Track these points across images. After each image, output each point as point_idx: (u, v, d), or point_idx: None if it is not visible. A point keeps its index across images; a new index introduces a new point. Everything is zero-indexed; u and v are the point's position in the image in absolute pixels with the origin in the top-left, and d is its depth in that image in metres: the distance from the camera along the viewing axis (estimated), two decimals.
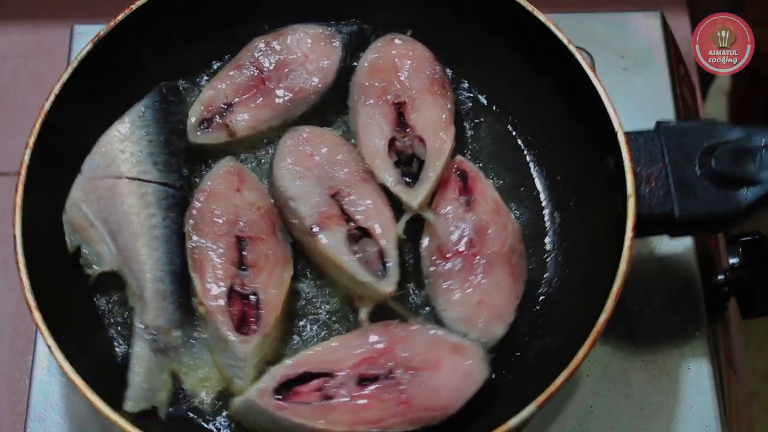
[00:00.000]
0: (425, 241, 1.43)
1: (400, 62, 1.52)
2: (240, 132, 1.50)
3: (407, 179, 1.44)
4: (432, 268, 1.40)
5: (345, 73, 1.55)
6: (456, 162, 1.47)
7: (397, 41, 1.55)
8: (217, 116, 1.51)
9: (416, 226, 1.43)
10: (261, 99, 1.52)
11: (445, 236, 1.41)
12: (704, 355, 1.46)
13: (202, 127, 1.51)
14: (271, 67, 1.54)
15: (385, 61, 1.53)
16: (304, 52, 1.54)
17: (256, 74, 1.53)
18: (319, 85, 1.53)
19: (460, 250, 1.40)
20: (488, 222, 1.41)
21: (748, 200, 1.32)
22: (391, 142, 1.46)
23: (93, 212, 1.40)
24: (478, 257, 1.39)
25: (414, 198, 1.41)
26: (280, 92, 1.52)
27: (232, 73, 1.54)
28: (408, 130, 1.46)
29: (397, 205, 1.43)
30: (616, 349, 1.46)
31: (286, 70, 1.53)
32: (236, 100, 1.52)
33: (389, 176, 1.43)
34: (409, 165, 1.45)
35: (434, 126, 1.47)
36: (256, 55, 1.54)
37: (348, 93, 1.54)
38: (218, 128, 1.50)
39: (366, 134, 1.47)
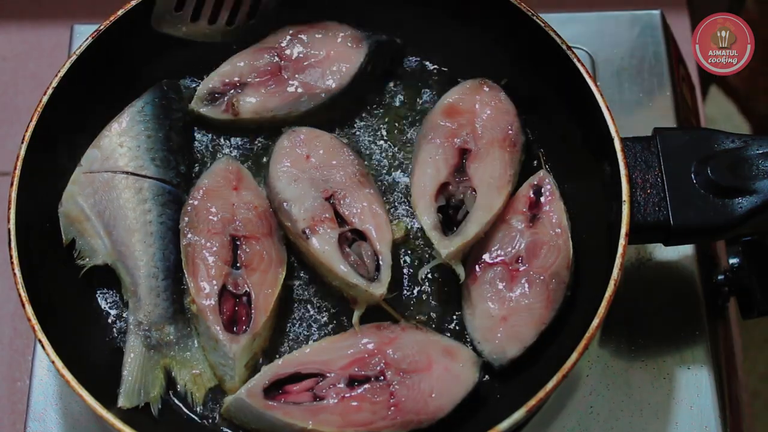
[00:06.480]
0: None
1: (481, 109, 1.49)
2: (243, 114, 1.50)
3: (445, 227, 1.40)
4: (474, 270, 1.39)
5: (362, 79, 1.53)
6: (539, 176, 1.45)
7: (485, 88, 1.51)
8: (228, 92, 1.51)
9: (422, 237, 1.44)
10: (273, 86, 1.51)
11: (497, 244, 1.39)
12: (704, 355, 1.46)
13: (208, 98, 1.51)
14: (293, 58, 1.53)
15: (466, 104, 1.49)
16: (329, 50, 1.53)
17: (275, 61, 1.53)
18: (333, 86, 1.52)
19: (506, 260, 1.38)
20: (544, 242, 1.38)
21: (743, 210, 1.31)
22: (445, 186, 1.42)
23: (89, 205, 1.40)
24: (520, 273, 1.37)
25: (444, 247, 1.36)
26: (293, 84, 1.52)
27: (254, 53, 1.54)
28: (465, 179, 1.43)
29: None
30: (616, 349, 1.46)
31: (305, 63, 1.53)
32: (249, 80, 1.51)
33: (428, 219, 1.39)
34: (456, 212, 1.42)
35: (491, 181, 1.42)
36: (282, 42, 1.54)
37: (362, 99, 1.55)
38: (223, 104, 1.50)
39: (420, 170, 1.44)
